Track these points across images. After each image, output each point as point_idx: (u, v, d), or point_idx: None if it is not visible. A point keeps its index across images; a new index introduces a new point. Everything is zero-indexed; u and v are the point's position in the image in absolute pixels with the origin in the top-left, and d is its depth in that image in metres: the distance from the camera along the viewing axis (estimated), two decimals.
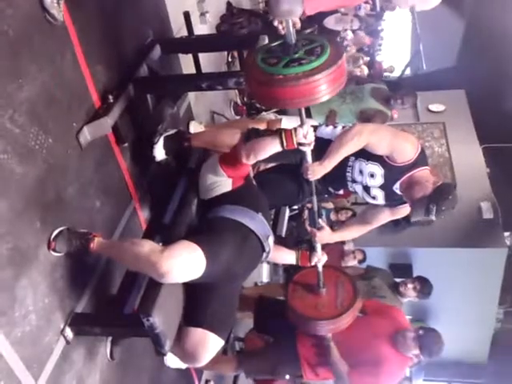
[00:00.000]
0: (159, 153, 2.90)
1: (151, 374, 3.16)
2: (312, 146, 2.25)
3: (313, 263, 2.68)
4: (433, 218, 2.52)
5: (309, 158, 2.29)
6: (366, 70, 6.11)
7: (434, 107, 7.45)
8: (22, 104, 1.97)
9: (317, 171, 2.41)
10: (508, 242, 6.41)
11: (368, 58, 6.72)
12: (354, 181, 2.72)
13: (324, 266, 2.74)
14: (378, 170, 2.58)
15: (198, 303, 2.36)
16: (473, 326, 6.74)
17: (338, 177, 2.72)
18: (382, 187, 2.65)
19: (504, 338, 7.16)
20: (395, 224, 6.24)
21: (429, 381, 7.26)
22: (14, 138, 1.93)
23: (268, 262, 5.30)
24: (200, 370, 3.91)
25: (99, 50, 2.53)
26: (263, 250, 2.49)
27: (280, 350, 3.48)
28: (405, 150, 2.52)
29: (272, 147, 2.38)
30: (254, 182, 2.75)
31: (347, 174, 2.71)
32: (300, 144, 2.23)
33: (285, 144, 2.29)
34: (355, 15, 5.96)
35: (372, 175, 2.62)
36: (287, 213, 4.42)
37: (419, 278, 4.32)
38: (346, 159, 2.62)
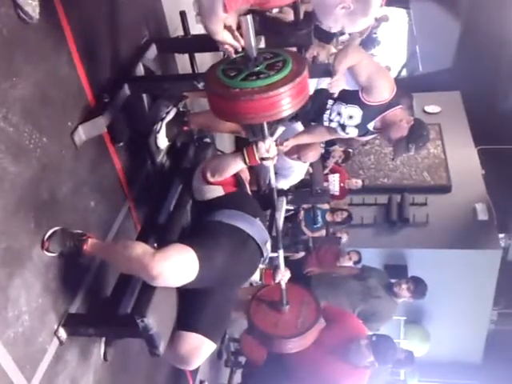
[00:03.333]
0: (162, 141, 2.91)
1: (145, 375, 3.15)
2: (275, 161, 2.22)
3: (277, 281, 2.60)
4: (412, 153, 2.85)
5: (272, 173, 2.22)
6: None
7: (429, 108, 7.47)
8: (15, 103, 1.95)
9: (338, 82, 2.60)
10: (503, 244, 6.43)
11: None
12: (330, 121, 2.94)
13: (291, 285, 2.68)
14: (357, 111, 2.82)
15: (193, 307, 2.34)
16: (467, 327, 6.75)
17: (316, 116, 2.98)
18: (357, 126, 2.89)
19: (498, 340, 7.18)
20: (390, 225, 6.27)
21: (423, 382, 7.26)
22: (8, 137, 1.91)
23: (264, 263, 5.29)
24: (195, 371, 3.90)
25: (95, 48, 2.52)
26: (261, 255, 2.48)
27: (271, 379, 3.45)
28: (383, 86, 2.74)
29: (235, 165, 2.37)
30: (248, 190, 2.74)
31: (325, 115, 2.94)
32: (263, 159, 2.19)
33: (247, 160, 2.26)
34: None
35: (351, 117, 2.85)
36: (283, 213, 4.42)
37: (413, 278, 4.33)
38: (325, 102, 2.91)
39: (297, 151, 3.49)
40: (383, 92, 2.73)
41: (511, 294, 6.85)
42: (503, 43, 7.18)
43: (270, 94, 1.67)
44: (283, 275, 2.58)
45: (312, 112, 2.98)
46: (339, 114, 2.89)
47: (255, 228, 2.44)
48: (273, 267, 2.68)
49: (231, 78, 1.74)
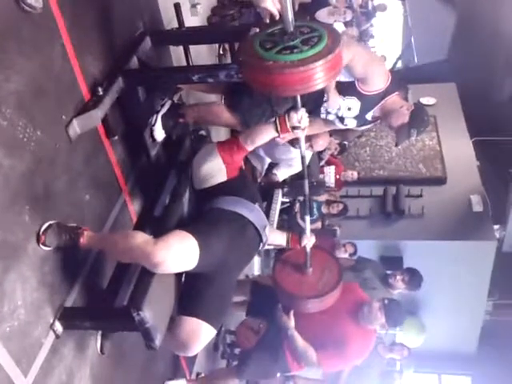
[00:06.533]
0: (159, 133, 2.91)
1: (142, 368, 3.16)
2: (306, 132, 2.30)
3: (303, 245, 2.69)
4: (414, 138, 2.86)
5: (302, 143, 2.30)
6: None
7: (425, 100, 7.46)
8: (9, 96, 1.94)
9: (333, 97, 2.65)
10: (497, 235, 6.45)
11: None
12: (328, 113, 2.92)
13: (318, 249, 2.81)
14: (355, 103, 2.80)
15: (194, 293, 2.37)
16: (462, 318, 6.80)
17: (313, 109, 2.90)
18: (356, 117, 2.87)
19: (493, 330, 7.22)
20: (386, 217, 6.29)
21: (419, 372, 7.31)
22: (2, 131, 1.90)
23: (259, 255, 5.31)
24: (191, 363, 3.91)
25: (89, 41, 2.50)
26: (260, 241, 2.50)
27: (267, 350, 3.53)
28: (378, 75, 2.72)
29: (267, 133, 2.43)
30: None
31: (322, 108, 2.91)
32: (294, 128, 2.26)
33: (279, 128, 2.32)
34: (347, 7, 5.93)
35: (349, 108, 2.83)
36: (278, 205, 4.42)
37: (408, 270, 4.34)
38: (321, 95, 2.84)
39: (308, 140, 3.53)
40: (379, 80, 2.72)
41: (506, 284, 6.88)
42: (498, 35, 7.18)
43: (300, 69, 1.73)
44: (309, 240, 2.66)
45: (309, 104, 2.97)
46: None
47: (254, 213, 2.48)
48: (299, 233, 2.77)
49: (266, 50, 1.80)
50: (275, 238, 2.83)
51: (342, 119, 2.91)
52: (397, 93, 2.80)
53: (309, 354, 3.20)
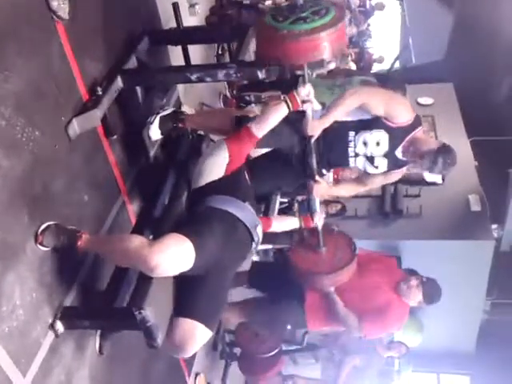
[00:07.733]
0: (155, 133, 2.91)
1: (141, 368, 3.15)
2: (313, 105, 2.45)
3: (316, 221, 2.82)
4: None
5: (310, 115, 2.44)
6: (353, 67, 6.10)
7: (422, 100, 7.47)
8: (8, 96, 1.94)
9: (316, 127, 2.55)
10: (495, 235, 6.46)
11: (357, 50, 6.71)
12: (356, 155, 2.81)
13: (326, 231, 2.97)
14: (383, 135, 2.71)
15: (188, 294, 2.35)
16: (460, 318, 6.79)
17: (340, 154, 2.84)
18: (386, 155, 2.77)
19: (491, 330, 7.22)
20: (384, 217, 6.29)
21: (417, 372, 7.31)
22: (1, 131, 1.90)
23: (258, 253, 5.31)
24: (190, 363, 3.91)
25: (87, 41, 2.50)
26: (252, 240, 2.49)
27: (284, 299, 3.52)
28: (401, 111, 2.70)
29: (279, 112, 2.47)
30: (246, 175, 2.74)
31: (349, 149, 2.80)
32: (304, 101, 2.38)
33: (291, 105, 2.40)
34: (346, 7, 5.93)
35: (378, 143, 2.73)
36: (277, 205, 4.41)
37: (408, 270, 4.35)
38: (345, 135, 2.76)
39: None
40: (404, 113, 2.69)
41: (504, 284, 6.88)
42: (496, 35, 7.19)
43: (314, 36, 2.01)
44: (320, 216, 2.82)
45: (335, 145, 2.84)
46: (365, 143, 2.75)
47: (245, 212, 2.46)
48: (310, 212, 2.88)
49: (280, 22, 2.07)
50: (287, 223, 2.90)
51: (371, 160, 2.80)
52: (421, 127, 2.77)
53: (351, 318, 3.24)
